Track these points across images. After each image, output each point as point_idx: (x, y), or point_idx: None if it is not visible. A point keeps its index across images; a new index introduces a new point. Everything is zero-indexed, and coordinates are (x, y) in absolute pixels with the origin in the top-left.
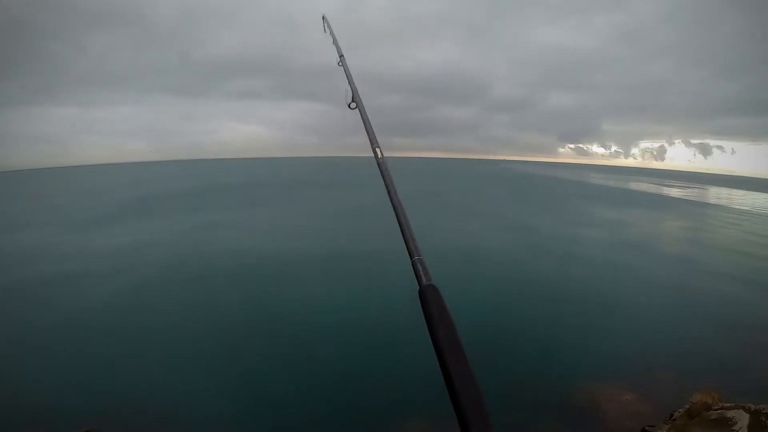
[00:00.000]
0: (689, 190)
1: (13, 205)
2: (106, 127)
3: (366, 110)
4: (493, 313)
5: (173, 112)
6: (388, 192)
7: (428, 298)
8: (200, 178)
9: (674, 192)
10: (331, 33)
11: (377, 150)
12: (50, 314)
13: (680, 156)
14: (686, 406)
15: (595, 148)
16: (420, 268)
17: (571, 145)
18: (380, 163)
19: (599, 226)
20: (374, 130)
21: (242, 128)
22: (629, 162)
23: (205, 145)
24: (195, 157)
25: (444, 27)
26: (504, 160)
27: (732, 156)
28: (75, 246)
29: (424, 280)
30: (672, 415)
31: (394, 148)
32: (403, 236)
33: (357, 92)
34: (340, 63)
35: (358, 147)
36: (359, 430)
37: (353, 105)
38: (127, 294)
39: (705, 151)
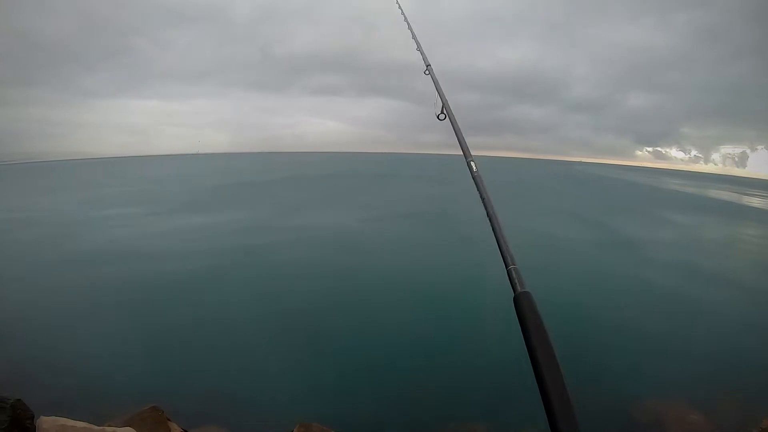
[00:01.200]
0: None
1: (94, 188)
2: (187, 119)
3: (457, 121)
4: (561, 315)
5: (252, 106)
6: (484, 204)
7: (523, 304)
8: (279, 169)
9: (756, 201)
10: (417, 41)
11: (471, 163)
12: (125, 290)
13: (763, 162)
14: (754, 431)
15: (674, 152)
16: (515, 275)
17: (649, 149)
18: (475, 177)
19: (676, 234)
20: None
21: (319, 123)
22: (709, 168)
23: (283, 139)
24: (272, 149)
25: (523, 25)
26: (580, 162)
27: None
28: (159, 227)
29: (518, 287)
30: None
31: (472, 147)
32: (498, 245)
33: (447, 103)
34: (427, 72)
35: (432, 145)
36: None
37: (442, 116)
38: (201, 275)
39: None
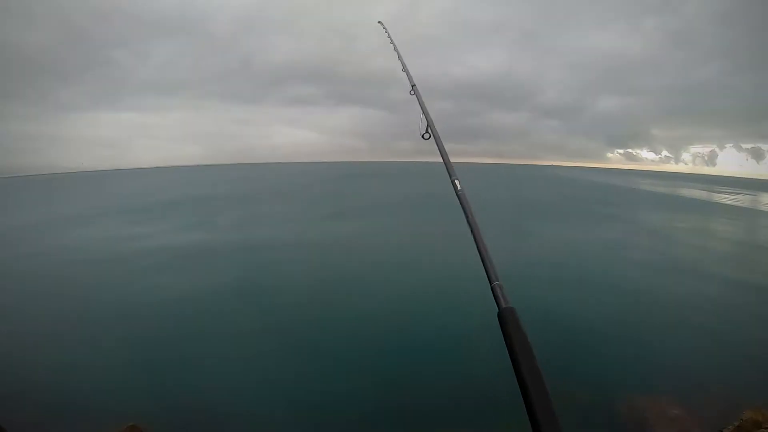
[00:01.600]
0: (740, 196)
1: (70, 204)
2: (162, 132)
3: (441, 140)
4: (543, 314)
5: (228, 118)
6: (469, 223)
7: (507, 320)
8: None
9: (726, 199)
10: (403, 62)
11: (456, 182)
12: (98, 307)
13: (732, 161)
14: (736, 424)
15: (645, 153)
16: (499, 292)
17: (620, 150)
18: (460, 195)
19: (651, 233)
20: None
21: (295, 133)
22: (679, 168)
23: (258, 150)
24: (246, 161)
25: (496, 33)
26: (552, 166)
27: None
28: (138, 245)
29: (503, 303)
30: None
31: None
32: (483, 262)
33: (432, 122)
34: (413, 92)
35: (406, 153)
36: None
37: (427, 135)
38: (181, 293)
39: (758, 155)
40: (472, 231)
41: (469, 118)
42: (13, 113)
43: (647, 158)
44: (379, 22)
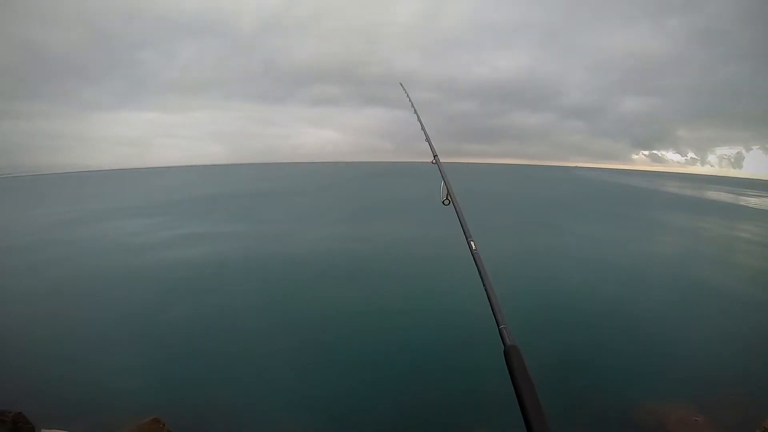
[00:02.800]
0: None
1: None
2: (185, 131)
3: (459, 205)
4: (558, 314)
5: (251, 117)
6: (481, 276)
7: (513, 359)
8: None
9: (752, 202)
10: (425, 133)
11: (471, 242)
12: (126, 302)
13: (758, 163)
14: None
15: (670, 155)
16: (505, 333)
17: (645, 152)
18: (474, 255)
19: (674, 237)
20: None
21: (318, 133)
22: (705, 170)
23: (280, 149)
24: (269, 160)
25: (519, 33)
26: (576, 167)
27: None
28: (157, 239)
29: (508, 341)
30: None
31: (466, 155)
32: (491, 305)
33: (452, 191)
34: (434, 162)
35: (428, 154)
36: None
37: (447, 202)
38: (201, 287)
39: None
40: (480, 275)
41: (492, 118)
42: (41, 112)
43: (673, 160)
44: (400, 83)
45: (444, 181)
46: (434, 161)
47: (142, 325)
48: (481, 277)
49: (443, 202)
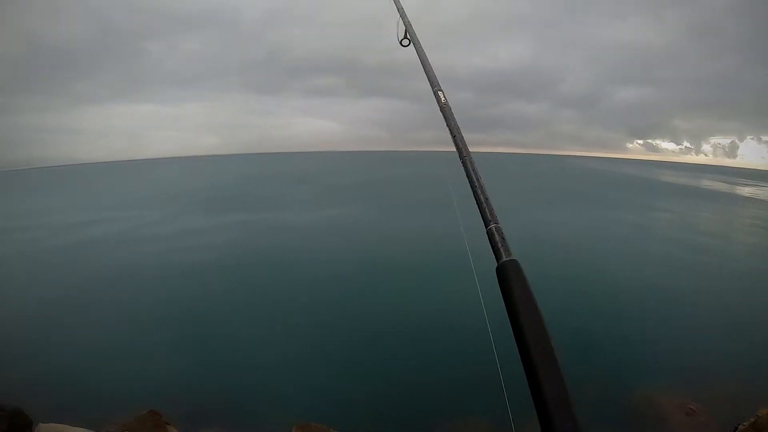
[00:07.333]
0: (761, 189)
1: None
2: (179, 123)
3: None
4: (559, 304)
5: (248, 108)
6: (458, 150)
7: (509, 275)
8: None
9: (746, 191)
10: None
11: (440, 93)
12: (121, 295)
13: (752, 153)
14: (752, 420)
15: (665, 144)
16: (498, 239)
17: (640, 141)
18: (443, 109)
19: (672, 225)
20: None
21: (315, 123)
22: (700, 159)
23: (277, 140)
24: (265, 150)
25: (517, 24)
26: (571, 156)
27: None
28: (155, 231)
29: (503, 255)
30: (736, 428)
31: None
32: (477, 202)
33: (411, 26)
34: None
35: (425, 142)
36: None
37: (406, 42)
38: (198, 280)
39: None
40: (463, 163)
41: (489, 108)
42: (39, 105)
43: (667, 149)
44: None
45: (400, 15)
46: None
47: (138, 319)
48: (458, 147)
49: (401, 43)
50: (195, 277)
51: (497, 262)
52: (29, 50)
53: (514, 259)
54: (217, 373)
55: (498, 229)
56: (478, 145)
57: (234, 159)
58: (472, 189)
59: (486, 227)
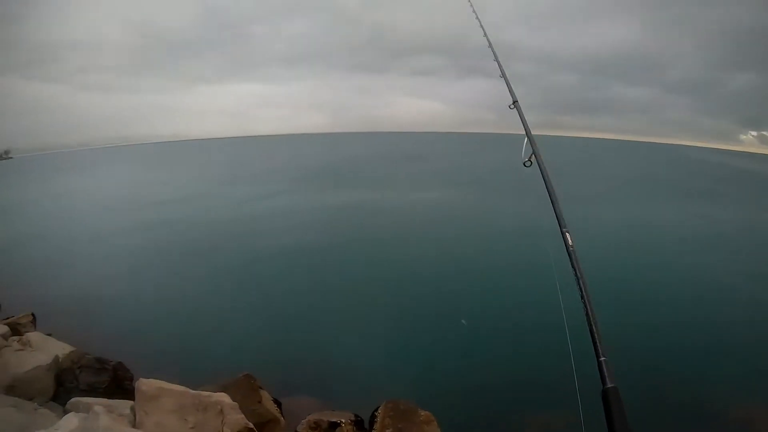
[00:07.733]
0: None
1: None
2: (287, 101)
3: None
4: (657, 296)
5: (353, 87)
6: (579, 284)
7: (611, 401)
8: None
9: None
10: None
11: (567, 234)
12: (224, 263)
13: None
14: None
15: None
16: (605, 369)
17: (754, 132)
18: (570, 253)
19: None
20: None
21: (419, 103)
22: None
23: (381, 119)
24: (370, 129)
25: (624, 3)
26: (678, 146)
27: None
28: (262, 206)
29: (608, 381)
30: None
31: (565, 127)
32: (591, 334)
33: (538, 151)
34: (513, 107)
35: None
36: None
37: (529, 163)
38: (298, 250)
39: None
40: (582, 295)
41: (590, 91)
42: (150, 86)
43: None
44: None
45: (528, 136)
46: (513, 106)
47: (237, 287)
48: (580, 288)
49: (524, 164)
50: (295, 247)
51: (602, 386)
52: (144, 37)
53: (615, 387)
54: (310, 343)
55: (606, 362)
56: (579, 130)
57: (341, 137)
58: (588, 322)
59: (597, 359)
